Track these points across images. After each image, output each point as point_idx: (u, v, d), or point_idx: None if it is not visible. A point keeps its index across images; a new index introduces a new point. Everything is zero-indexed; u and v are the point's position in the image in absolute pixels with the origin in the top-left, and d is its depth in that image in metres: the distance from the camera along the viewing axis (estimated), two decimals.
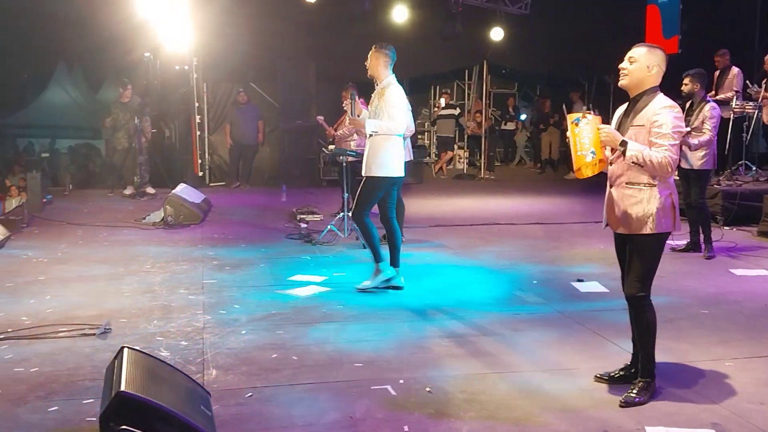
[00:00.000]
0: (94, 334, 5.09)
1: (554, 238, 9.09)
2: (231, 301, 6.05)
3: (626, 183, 4.05)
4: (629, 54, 4.07)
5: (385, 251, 6.48)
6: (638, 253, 4.06)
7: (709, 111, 7.52)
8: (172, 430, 3.14)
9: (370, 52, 6.38)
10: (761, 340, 5.16)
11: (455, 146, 17.73)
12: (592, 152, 3.96)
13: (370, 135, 6.32)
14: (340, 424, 3.76)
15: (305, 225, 9.36)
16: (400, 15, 14.47)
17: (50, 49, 17.35)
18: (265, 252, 8.04)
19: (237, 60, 13.97)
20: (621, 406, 3.99)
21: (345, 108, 6.59)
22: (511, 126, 18.29)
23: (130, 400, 3.10)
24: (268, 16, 13.55)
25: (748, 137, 10.31)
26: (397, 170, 6.38)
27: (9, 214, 9.64)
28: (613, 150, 4.05)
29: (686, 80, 7.62)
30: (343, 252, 8.09)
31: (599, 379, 4.35)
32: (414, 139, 11.86)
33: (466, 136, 17.69)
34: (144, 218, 9.88)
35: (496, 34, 15.32)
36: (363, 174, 6.40)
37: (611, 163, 4.11)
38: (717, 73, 10.92)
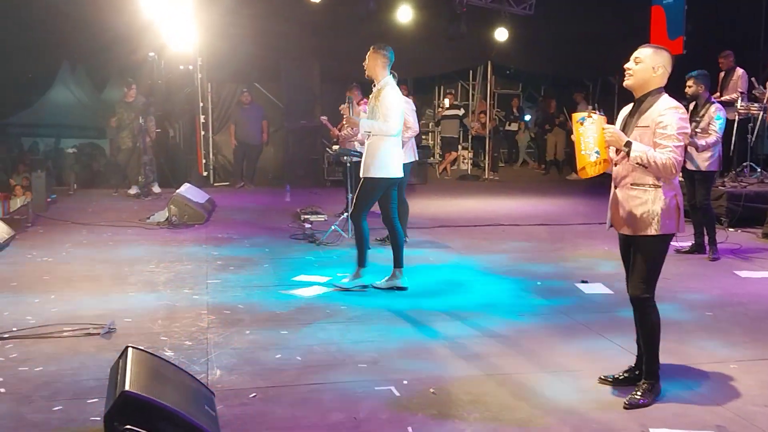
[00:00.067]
0: (98, 334, 5.09)
1: (558, 239, 9.08)
2: (235, 301, 6.05)
3: (631, 184, 4.04)
4: (635, 54, 4.06)
5: (386, 249, 6.48)
6: (642, 255, 4.05)
7: (715, 112, 7.51)
8: (177, 430, 3.15)
9: (368, 53, 6.40)
10: (766, 343, 5.15)
11: (459, 147, 17.72)
12: (596, 152, 3.96)
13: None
14: (343, 425, 3.76)
15: (309, 225, 9.37)
16: (404, 15, 14.46)
17: (55, 48, 17.40)
18: (269, 252, 8.04)
19: (241, 60, 13.98)
20: (625, 408, 3.98)
21: (342, 112, 6.62)
22: (513, 127, 18.29)
23: (135, 399, 3.11)
24: (272, 17, 13.56)
25: (753, 139, 10.29)
26: (394, 171, 6.40)
27: (14, 214, 9.68)
28: (617, 150, 4.05)
29: (690, 82, 7.61)
30: (347, 252, 8.08)
31: (603, 380, 4.34)
32: (418, 139, 11.88)
33: (470, 137, 17.67)
34: (148, 218, 9.89)
35: (501, 34, 15.31)
36: (361, 175, 6.44)
37: (616, 164, 4.11)
38: (722, 74, 10.90)
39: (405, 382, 4.33)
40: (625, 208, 4.06)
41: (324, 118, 10.27)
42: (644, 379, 4.12)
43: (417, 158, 9.01)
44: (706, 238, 7.95)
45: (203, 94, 14.42)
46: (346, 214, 8.89)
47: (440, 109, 17.61)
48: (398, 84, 8.90)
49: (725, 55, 10.84)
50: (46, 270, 7.05)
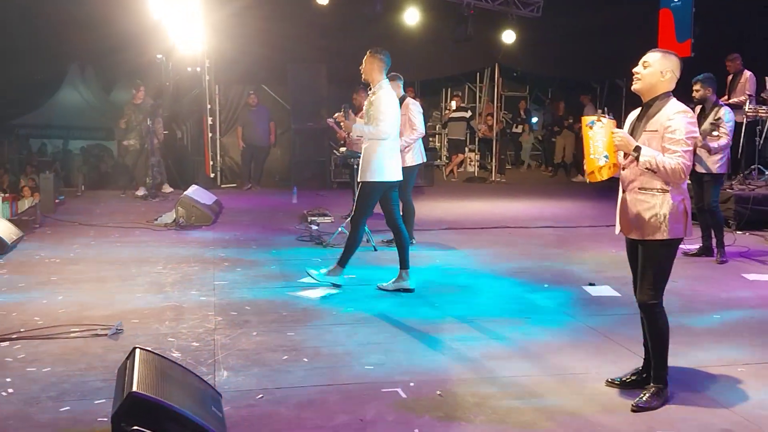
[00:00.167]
0: (105, 335, 5.11)
1: (565, 241, 9.07)
2: (242, 302, 6.06)
3: (639, 188, 4.03)
4: (643, 59, 4.06)
5: (393, 249, 6.49)
6: (650, 259, 4.04)
7: (724, 115, 7.50)
8: (184, 431, 3.15)
9: (366, 57, 6.42)
10: None
11: (466, 149, 17.72)
12: (605, 156, 3.95)
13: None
14: (350, 427, 3.76)
15: (316, 227, 9.38)
16: (411, 17, 14.46)
17: (63, 50, 17.47)
18: (275, 254, 8.05)
19: (249, 62, 14.01)
20: (633, 411, 3.98)
21: (337, 119, 6.65)
22: (518, 129, 18.27)
23: (142, 400, 3.12)
24: (279, 19, 13.58)
25: (762, 141, 10.26)
26: (390, 175, 6.41)
27: (22, 215, 9.71)
28: (625, 155, 4.04)
29: (697, 86, 7.60)
30: (353, 255, 8.07)
31: (610, 383, 4.33)
32: (425, 141, 11.88)
33: (477, 139, 17.67)
34: (156, 219, 9.92)
35: (508, 36, 15.29)
36: (358, 180, 6.47)
37: (624, 168, 4.10)
38: (730, 77, 10.87)
39: (411, 384, 4.33)
40: (633, 213, 4.06)
41: (331, 120, 10.29)
42: (652, 383, 4.11)
43: (425, 160, 9.00)
44: (714, 241, 7.94)
45: (211, 95, 14.45)
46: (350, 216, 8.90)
47: (447, 112, 17.61)
48: (405, 86, 8.96)
49: (732, 58, 10.81)
50: (54, 271, 7.07)
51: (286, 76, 14.31)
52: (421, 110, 8.73)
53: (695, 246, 8.15)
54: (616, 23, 14.31)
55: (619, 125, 4.08)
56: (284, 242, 8.76)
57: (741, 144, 10.05)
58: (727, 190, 9.71)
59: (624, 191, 4.15)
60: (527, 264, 7.71)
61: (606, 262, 7.78)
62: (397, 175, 6.50)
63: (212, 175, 14.45)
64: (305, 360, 4.72)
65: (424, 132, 8.62)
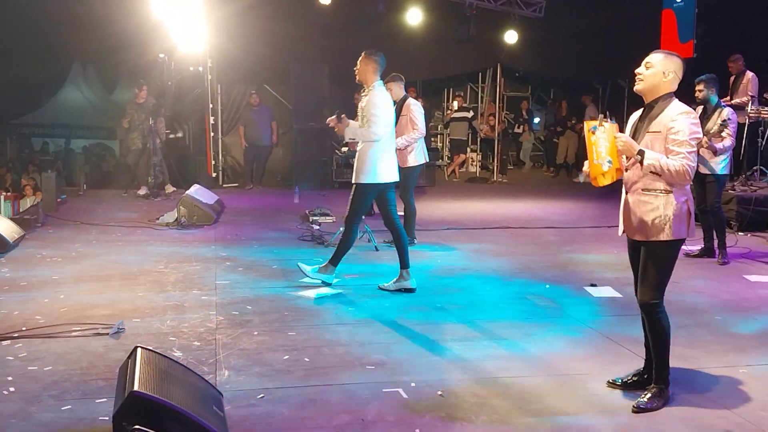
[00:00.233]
0: (107, 334, 5.11)
1: (567, 242, 9.06)
2: (243, 301, 6.06)
3: (642, 189, 4.03)
4: (646, 59, 4.06)
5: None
6: (653, 260, 4.04)
7: (727, 116, 7.50)
8: (185, 431, 3.15)
9: (360, 58, 6.44)
10: None
11: (468, 149, 17.72)
12: (609, 161, 3.94)
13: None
14: (351, 427, 3.76)
15: (318, 227, 9.37)
16: (414, 17, 14.46)
17: (65, 49, 17.50)
18: (277, 253, 8.05)
19: (251, 61, 14.01)
20: (633, 412, 3.98)
21: (329, 124, 6.66)
22: (519, 129, 18.26)
23: (143, 399, 3.12)
24: (282, 18, 13.58)
25: (764, 142, 10.25)
26: (383, 176, 6.41)
27: (24, 213, 9.71)
28: (628, 157, 4.04)
29: (700, 86, 7.60)
30: (354, 254, 8.07)
31: (612, 384, 4.33)
32: (427, 141, 11.88)
33: (479, 139, 17.66)
34: (158, 219, 9.92)
35: (510, 37, 15.29)
36: (353, 181, 6.48)
37: (626, 170, 4.09)
38: (732, 78, 10.86)
39: (413, 384, 4.33)
40: (637, 214, 4.05)
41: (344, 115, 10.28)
42: (654, 383, 4.11)
43: (428, 160, 9.01)
44: (716, 242, 7.93)
45: (213, 95, 14.46)
46: None
47: (449, 112, 17.60)
48: (407, 86, 8.96)
49: (735, 59, 10.81)
50: (56, 270, 7.08)
51: (289, 75, 14.31)
52: (423, 110, 8.73)
53: (697, 247, 8.15)
54: (618, 24, 14.31)
55: (622, 126, 4.08)
56: (286, 242, 8.76)
57: (743, 145, 10.04)
58: (729, 191, 9.70)
59: (627, 192, 4.14)
60: (529, 264, 7.71)
61: (607, 263, 7.78)
62: (391, 177, 6.50)
63: (214, 175, 14.46)
64: (306, 360, 4.72)
65: (425, 132, 8.62)
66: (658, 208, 3.97)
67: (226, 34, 13.51)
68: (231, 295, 6.28)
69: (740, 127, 9.18)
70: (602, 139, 3.95)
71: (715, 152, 7.52)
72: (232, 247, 8.37)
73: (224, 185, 14.42)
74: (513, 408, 4.01)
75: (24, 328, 5.20)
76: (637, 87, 4.09)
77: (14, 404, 3.96)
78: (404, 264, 6.49)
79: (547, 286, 6.81)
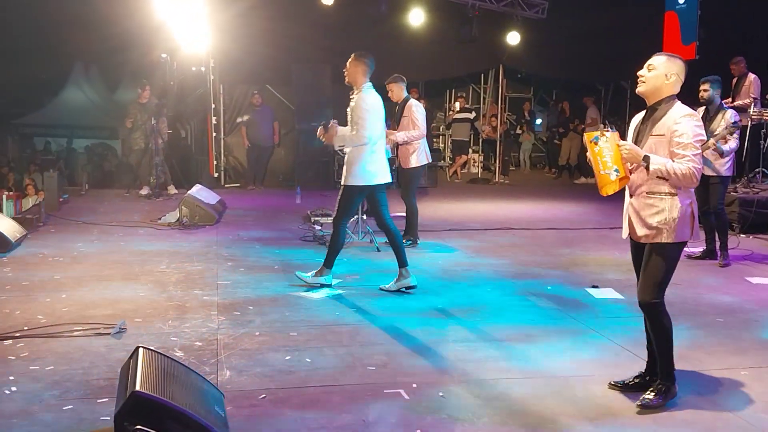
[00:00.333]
0: (109, 334, 5.11)
1: (569, 243, 9.06)
2: (245, 302, 6.06)
3: (647, 192, 4.03)
4: (648, 62, 4.06)
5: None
6: (656, 261, 4.03)
7: (731, 118, 7.50)
8: (187, 431, 3.15)
9: (350, 60, 6.46)
10: None
11: (470, 150, 17.72)
12: (616, 170, 3.93)
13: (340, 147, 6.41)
14: (352, 428, 3.76)
15: (319, 227, 9.37)
16: (416, 18, 14.46)
17: (68, 49, 17.53)
18: (279, 253, 8.06)
19: (253, 62, 14.03)
20: (638, 406, 3.99)
21: (319, 136, 6.67)
22: (519, 131, 18.26)
23: (145, 400, 3.12)
24: (284, 19, 13.59)
25: (766, 144, 10.24)
26: (371, 179, 6.42)
27: (26, 213, 9.72)
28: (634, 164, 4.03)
29: (705, 86, 7.59)
30: (356, 255, 8.09)
31: (613, 386, 4.32)
32: (429, 142, 11.89)
33: (481, 140, 17.67)
34: (160, 218, 9.93)
35: (513, 38, 15.29)
36: (342, 182, 6.49)
37: (630, 172, 4.09)
38: (734, 80, 10.86)
39: (414, 385, 4.33)
40: (641, 217, 4.05)
41: (334, 121, 10.28)
42: (660, 380, 4.11)
43: (430, 161, 9.01)
44: (718, 244, 7.92)
45: (215, 95, 14.47)
46: (355, 216, 8.90)
47: (451, 113, 17.62)
48: (409, 87, 8.96)
49: (737, 61, 10.81)
50: (58, 269, 7.08)
51: (291, 76, 14.32)
52: (424, 111, 8.74)
53: (699, 249, 8.14)
54: (620, 25, 14.32)
55: (624, 127, 4.08)
56: (287, 242, 8.76)
57: (745, 147, 10.04)
58: (731, 193, 9.70)
59: (631, 195, 4.14)
60: (530, 266, 7.71)
61: (609, 264, 7.78)
62: (380, 179, 6.49)
63: (216, 175, 14.47)
64: (308, 360, 4.72)
65: (425, 132, 8.63)
66: (663, 211, 3.97)
67: (228, 34, 13.52)
68: (233, 295, 6.28)
69: (742, 129, 9.18)
70: (606, 148, 3.94)
71: (722, 154, 7.53)
72: (234, 247, 8.37)
73: (226, 185, 14.43)
74: (514, 410, 4.01)
75: (26, 328, 5.20)
76: (640, 89, 4.09)
77: (16, 404, 3.96)
78: (402, 263, 6.50)
79: (549, 287, 6.80)
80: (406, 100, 8.60)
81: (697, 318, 5.83)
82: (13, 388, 4.16)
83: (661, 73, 4.00)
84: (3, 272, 6.92)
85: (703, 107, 7.66)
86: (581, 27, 14.74)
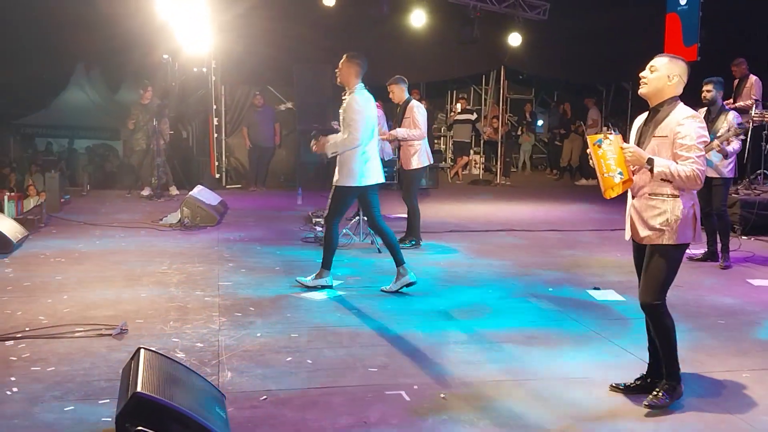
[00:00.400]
0: (110, 335, 5.11)
1: (570, 245, 9.06)
2: (246, 303, 6.06)
3: (649, 194, 4.02)
4: (651, 63, 4.06)
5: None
6: (658, 263, 4.02)
7: (734, 119, 7.51)
8: None
9: (342, 61, 6.46)
10: None
11: (471, 151, 17.72)
12: (620, 173, 3.92)
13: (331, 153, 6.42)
14: (353, 429, 3.76)
15: (320, 228, 9.36)
16: (417, 19, 14.45)
17: (69, 50, 17.51)
18: (280, 255, 8.06)
19: (255, 63, 14.04)
20: (645, 407, 4.01)
21: (313, 148, 6.67)
22: (519, 132, 18.27)
23: (146, 401, 3.12)
24: (286, 20, 13.60)
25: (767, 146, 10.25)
26: (362, 179, 6.41)
27: (27, 214, 9.72)
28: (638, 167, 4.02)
29: (708, 87, 7.59)
30: (357, 256, 8.09)
31: (614, 388, 4.32)
32: (430, 143, 11.90)
33: (482, 142, 17.67)
34: (161, 219, 9.93)
35: (514, 39, 15.29)
36: (333, 182, 6.50)
37: (634, 174, 4.08)
38: (735, 82, 10.86)
39: (415, 387, 4.33)
40: (644, 218, 4.05)
41: (335, 123, 10.30)
42: (665, 380, 4.11)
43: (432, 162, 9.01)
44: (719, 246, 7.92)
45: (217, 96, 14.48)
46: (357, 217, 8.91)
47: (452, 114, 17.62)
48: (410, 88, 8.97)
49: (738, 63, 10.81)
50: (59, 270, 7.08)
51: (292, 77, 14.33)
52: (425, 113, 8.74)
53: (700, 251, 8.14)
54: (622, 27, 14.31)
55: (625, 129, 4.07)
56: (289, 243, 8.77)
57: (747, 149, 10.03)
58: (733, 194, 9.69)
59: (634, 197, 4.13)
60: (531, 267, 7.70)
61: (611, 266, 7.77)
62: (372, 179, 6.49)
63: (217, 176, 14.47)
64: (309, 362, 4.72)
65: (425, 134, 8.63)
66: (665, 213, 3.97)
67: (230, 35, 13.53)
68: (234, 296, 6.28)
69: (744, 131, 9.18)
70: (609, 151, 3.93)
71: (726, 156, 7.53)
72: (235, 248, 8.37)
73: (227, 186, 14.44)
74: (515, 411, 4.01)
75: (27, 329, 5.20)
76: (642, 91, 4.08)
77: (17, 404, 3.96)
78: (399, 261, 6.52)
79: (550, 289, 6.80)
80: (407, 102, 8.60)
81: (698, 320, 5.83)
82: (15, 389, 4.16)
83: (663, 74, 4.00)
84: (4, 273, 6.93)
85: (705, 108, 7.66)
86: (582, 28, 14.73)
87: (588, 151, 4.02)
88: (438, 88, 18.05)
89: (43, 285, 6.50)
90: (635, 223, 4.11)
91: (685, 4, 13.21)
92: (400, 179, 8.81)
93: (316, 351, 4.93)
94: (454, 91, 18.38)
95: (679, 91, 4.04)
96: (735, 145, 7.53)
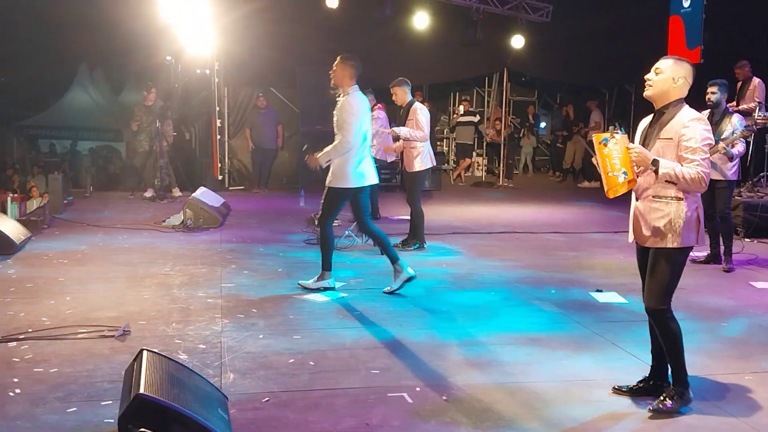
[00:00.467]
0: (113, 336, 5.12)
1: (573, 247, 9.05)
2: (249, 305, 6.07)
3: (653, 196, 4.01)
4: (656, 65, 4.04)
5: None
6: (662, 267, 4.01)
7: (738, 122, 7.50)
8: None
9: (336, 62, 6.44)
10: None
11: (474, 153, 17.71)
12: (624, 173, 3.91)
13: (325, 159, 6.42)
14: (356, 431, 3.76)
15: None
16: (420, 21, 14.45)
17: (73, 51, 17.57)
18: (283, 256, 8.06)
19: (258, 64, 14.05)
20: (650, 411, 3.99)
21: (306, 162, 6.67)
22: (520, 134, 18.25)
23: (149, 402, 3.12)
24: (289, 21, 13.61)
25: None
26: (355, 181, 6.42)
27: (30, 215, 9.73)
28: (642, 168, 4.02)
29: (713, 89, 7.57)
30: (360, 257, 8.09)
31: (617, 390, 4.31)
32: (433, 145, 11.89)
33: (485, 144, 17.67)
34: (164, 221, 9.94)
35: (517, 41, 15.29)
36: (326, 183, 6.51)
37: (637, 176, 4.08)
38: (739, 84, 10.84)
39: (418, 389, 4.33)
40: (647, 221, 4.04)
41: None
42: (673, 386, 4.10)
43: (434, 164, 9.01)
44: (722, 249, 7.91)
45: (220, 98, 14.49)
46: None
47: (455, 116, 17.60)
48: (413, 90, 8.97)
49: (741, 65, 10.79)
50: (62, 271, 7.09)
51: (295, 78, 14.34)
52: (428, 115, 8.73)
53: (703, 253, 8.13)
54: (625, 29, 14.29)
55: (629, 131, 4.07)
56: (291, 245, 8.77)
57: (750, 151, 10.02)
58: (736, 197, 9.67)
59: (638, 199, 4.12)
60: (534, 269, 7.69)
61: (614, 268, 7.76)
62: (365, 181, 6.49)
63: (220, 178, 14.48)
64: (311, 363, 4.72)
65: (428, 136, 8.63)
66: (669, 215, 3.96)
67: (233, 36, 13.54)
68: (236, 297, 6.28)
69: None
70: (615, 150, 3.92)
71: (731, 158, 7.52)
72: (238, 249, 8.38)
73: (230, 188, 14.45)
74: (518, 414, 4.00)
75: (30, 330, 5.21)
76: (647, 93, 4.08)
77: (20, 406, 3.96)
78: (393, 259, 6.55)
79: (553, 291, 6.80)
80: (410, 104, 8.60)
81: (701, 322, 5.82)
82: (18, 390, 4.16)
83: (668, 76, 3.99)
84: (7, 274, 6.93)
85: (709, 110, 7.65)
86: (585, 30, 14.71)
87: (594, 160, 4.01)
88: (441, 90, 18.05)
89: (45, 286, 6.51)
90: (639, 226, 4.10)
91: (689, 7, 13.20)
92: (403, 182, 8.80)
93: (319, 353, 4.93)
94: (457, 93, 18.37)
95: (685, 93, 4.03)
96: (739, 148, 7.53)
